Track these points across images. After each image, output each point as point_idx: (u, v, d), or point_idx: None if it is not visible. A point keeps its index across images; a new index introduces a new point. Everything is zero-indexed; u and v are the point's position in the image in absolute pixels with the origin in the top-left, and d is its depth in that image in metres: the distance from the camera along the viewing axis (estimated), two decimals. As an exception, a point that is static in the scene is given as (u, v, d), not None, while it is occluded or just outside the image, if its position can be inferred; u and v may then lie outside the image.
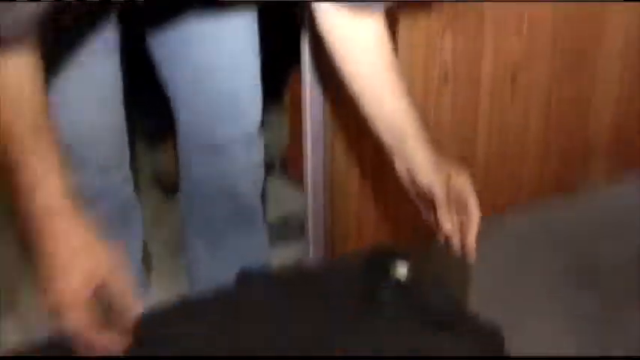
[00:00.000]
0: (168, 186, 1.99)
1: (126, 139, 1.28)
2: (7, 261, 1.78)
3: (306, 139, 1.60)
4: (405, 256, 1.09)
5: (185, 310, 0.97)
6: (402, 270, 1.06)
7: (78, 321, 0.83)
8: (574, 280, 1.69)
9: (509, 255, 1.78)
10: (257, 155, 1.34)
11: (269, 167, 1.51)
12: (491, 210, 1.83)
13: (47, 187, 0.85)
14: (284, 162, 2.05)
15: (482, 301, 1.02)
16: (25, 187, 0.84)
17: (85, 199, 1.16)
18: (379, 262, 1.09)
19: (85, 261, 0.84)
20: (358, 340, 0.95)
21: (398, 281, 1.05)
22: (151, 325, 0.90)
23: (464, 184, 1.01)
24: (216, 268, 1.35)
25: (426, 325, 0.97)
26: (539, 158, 1.90)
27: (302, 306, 1.01)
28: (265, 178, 1.43)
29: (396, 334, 0.96)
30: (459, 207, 1.02)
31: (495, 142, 1.81)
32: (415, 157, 1.03)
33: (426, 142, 1.04)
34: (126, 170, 1.30)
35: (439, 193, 1.01)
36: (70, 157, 1.10)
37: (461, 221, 1.02)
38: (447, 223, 1.02)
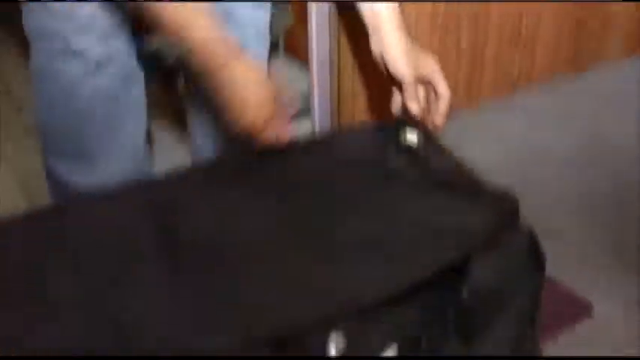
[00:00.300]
0: (168, 65, 1.95)
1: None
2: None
3: (311, 18, 1.55)
4: (414, 125, 1.06)
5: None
6: (412, 137, 1.04)
7: (279, 127, 1.02)
8: (586, 159, 1.67)
9: (521, 133, 1.76)
10: (264, 18, 1.31)
11: (273, 47, 1.46)
12: (503, 88, 1.82)
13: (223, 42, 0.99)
14: (288, 42, 1.99)
15: (496, 177, 1.00)
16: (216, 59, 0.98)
17: (89, 64, 1.15)
18: (388, 130, 1.07)
19: (268, 84, 1.02)
20: (372, 207, 0.93)
21: (409, 148, 1.03)
22: None
23: (433, 68, 1.08)
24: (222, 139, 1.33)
25: (439, 189, 0.94)
26: (554, 33, 1.84)
27: (311, 174, 0.99)
28: (269, 58, 1.38)
29: (410, 199, 0.94)
30: (429, 90, 1.10)
31: (509, 18, 1.75)
32: (387, 39, 1.09)
33: (400, 29, 1.09)
34: (128, 39, 1.26)
35: (407, 75, 1.08)
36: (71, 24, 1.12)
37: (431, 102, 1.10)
38: (413, 104, 1.09)
